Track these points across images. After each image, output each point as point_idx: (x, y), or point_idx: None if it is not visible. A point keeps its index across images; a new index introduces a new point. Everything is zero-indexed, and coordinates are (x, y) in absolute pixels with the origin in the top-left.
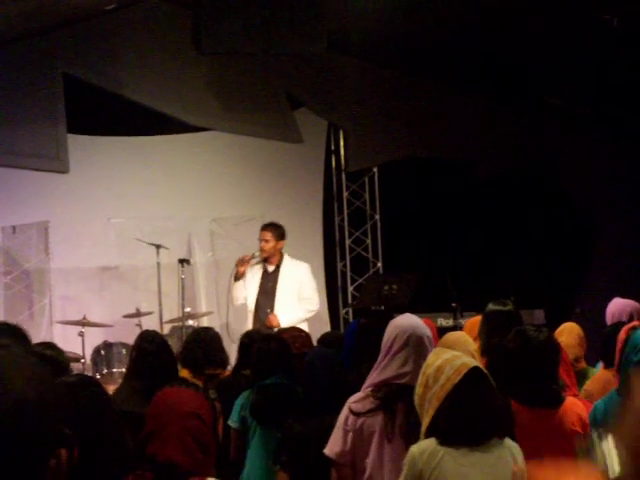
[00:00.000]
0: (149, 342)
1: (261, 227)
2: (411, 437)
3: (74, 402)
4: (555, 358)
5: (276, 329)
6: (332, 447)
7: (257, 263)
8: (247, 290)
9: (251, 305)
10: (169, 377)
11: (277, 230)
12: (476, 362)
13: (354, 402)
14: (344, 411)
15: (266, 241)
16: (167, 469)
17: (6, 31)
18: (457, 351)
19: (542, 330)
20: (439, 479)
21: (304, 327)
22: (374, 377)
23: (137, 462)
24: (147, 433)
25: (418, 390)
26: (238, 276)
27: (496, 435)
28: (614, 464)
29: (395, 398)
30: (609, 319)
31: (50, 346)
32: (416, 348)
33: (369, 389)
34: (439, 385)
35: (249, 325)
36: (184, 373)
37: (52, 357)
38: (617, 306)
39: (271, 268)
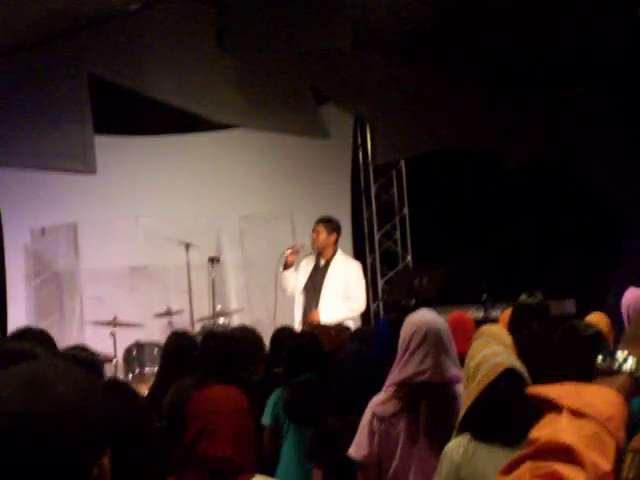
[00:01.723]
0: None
1: (315, 221)
2: (436, 436)
3: (107, 405)
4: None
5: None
6: (357, 449)
7: (311, 255)
8: (298, 281)
9: (299, 298)
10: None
11: (329, 223)
12: (515, 361)
13: (377, 405)
14: (368, 413)
15: (317, 233)
16: (224, 466)
17: (31, 33)
18: (494, 343)
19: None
20: (473, 474)
21: (350, 325)
22: (394, 376)
23: (188, 462)
24: (196, 432)
25: (464, 382)
26: (287, 265)
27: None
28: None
29: (417, 398)
30: (624, 309)
31: (83, 348)
32: (434, 344)
33: (391, 389)
34: (476, 381)
35: (296, 318)
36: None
37: (86, 359)
38: (633, 296)
39: (322, 262)
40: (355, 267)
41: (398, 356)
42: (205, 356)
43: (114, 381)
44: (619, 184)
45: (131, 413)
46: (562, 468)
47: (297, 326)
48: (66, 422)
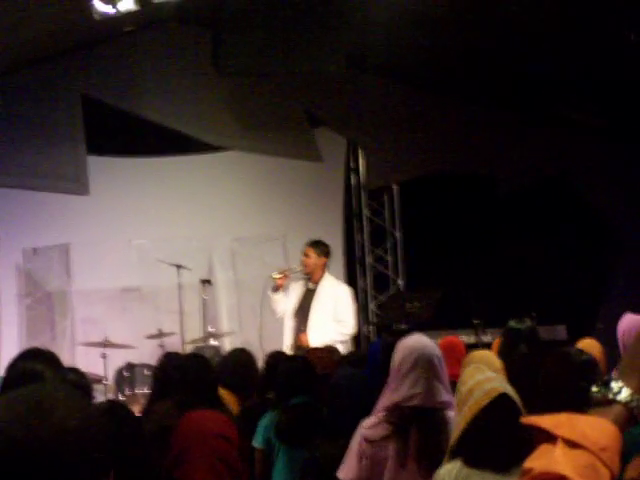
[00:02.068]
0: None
1: (305, 244)
2: (425, 461)
3: (107, 427)
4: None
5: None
6: (346, 472)
7: (302, 279)
8: (287, 307)
9: (288, 322)
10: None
11: (319, 247)
12: (507, 387)
13: (367, 428)
14: (357, 436)
15: (307, 256)
16: None
17: (26, 54)
18: (486, 369)
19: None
20: None
21: (340, 349)
22: (385, 399)
23: None
24: (174, 456)
25: (456, 408)
26: (276, 288)
27: (521, 463)
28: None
29: (408, 422)
30: (620, 335)
31: (72, 370)
32: (426, 368)
33: (381, 413)
34: (468, 406)
35: (285, 342)
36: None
37: (75, 381)
38: (629, 322)
39: (312, 286)
40: (345, 291)
41: (390, 380)
42: (186, 378)
43: (114, 403)
44: (612, 208)
45: (131, 435)
46: None
47: (286, 349)
48: (67, 447)
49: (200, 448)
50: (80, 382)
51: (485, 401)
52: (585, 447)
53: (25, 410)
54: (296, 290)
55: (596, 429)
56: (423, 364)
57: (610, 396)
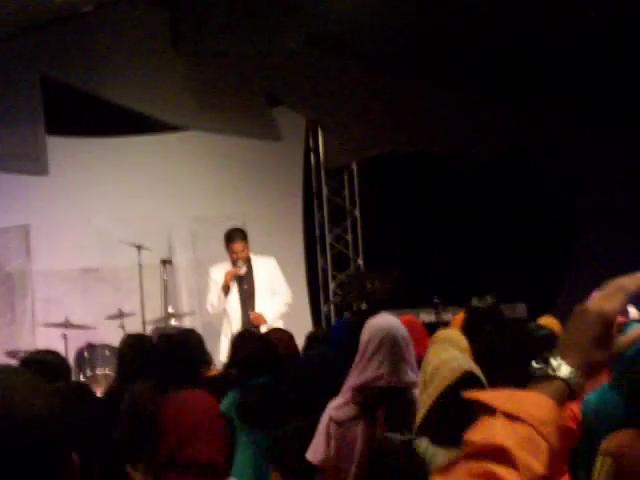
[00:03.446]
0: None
1: (229, 237)
2: None
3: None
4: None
5: (263, 327)
6: (315, 453)
7: (222, 267)
8: (228, 300)
9: (236, 310)
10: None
11: (245, 235)
12: (472, 365)
13: (335, 409)
14: (325, 417)
15: (242, 251)
16: (209, 471)
17: None
18: (451, 348)
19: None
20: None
21: (281, 324)
22: (352, 380)
23: (171, 467)
24: (177, 438)
25: (420, 386)
26: (227, 289)
27: None
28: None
29: (375, 403)
30: None
31: (51, 352)
32: (391, 349)
33: (348, 394)
34: (433, 386)
35: (233, 329)
36: None
37: (53, 362)
38: None
39: (242, 271)
40: (274, 262)
41: (356, 360)
42: (162, 359)
43: (77, 384)
44: (570, 186)
45: (93, 416)
46: (496, 468)
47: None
48: (30, 436)
49: (205, 429)
50: (59, 363)
51: (450, 380)
52: (525, 420)
53: None
54: (221, 278)
55: (535, 404)
56: (389, 344)
57: (550, 372)
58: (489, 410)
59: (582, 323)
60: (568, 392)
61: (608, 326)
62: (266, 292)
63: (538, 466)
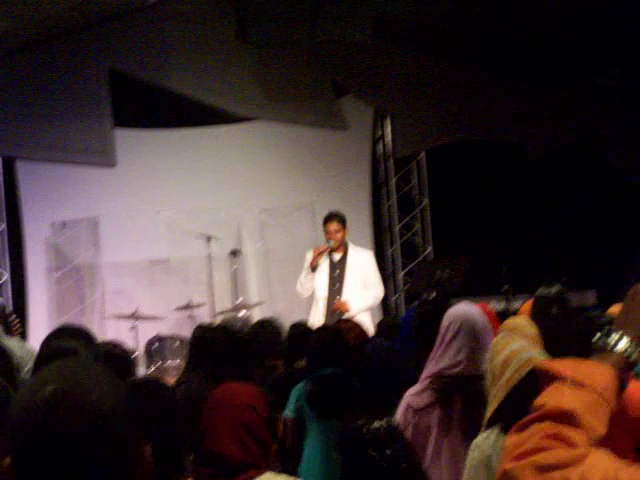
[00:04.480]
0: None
1: (326, 219)
2: (468, 429)
3: (142, 404)
4: None
5: (346, 315)
6: None
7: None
8: (316, 281)
9: (323, 294)
10: (239, 368)
11: (342, 218)
12: (543, 356)
13: (412, 395)
14: (403, 404)
15: (337, 232)
16: (223, 463)
17: (51, 27)
18: (519, 337)
19: (605, 313)
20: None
21: (368, 316)
22: (431, 367)
23: (196, 456)
24: (203, 428)
25: (488, 377)
26: (314, 267)
27: None
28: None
29: (451, 390)
30: None
31: (115, 345)
32: (468, 337)
33: (426, 381)
34: (505, 377)
35: (318, 314)
36: None
37: (120, 356)
38: None
39: (337, 257)
40: (370, 256)
41: (435, 348)
42: (217, 351)
43: (148, 378)
44: (637, 172)
45: (165, 411)
46: (565, 429)
47: (318, 323)
48: (101, 430)
49: (227, 419)
50: (125, 357)
51: (524, 371)
52: (589, 386)
53: (58, 390)
54: (320, 265)
55: (598, 372)
56: (467, 332)
57: (610, 345)
58: (558, 378)
59: (636, 301)
60: (625, 362)
61: None
62: (357, 282)
63: (601, 428)
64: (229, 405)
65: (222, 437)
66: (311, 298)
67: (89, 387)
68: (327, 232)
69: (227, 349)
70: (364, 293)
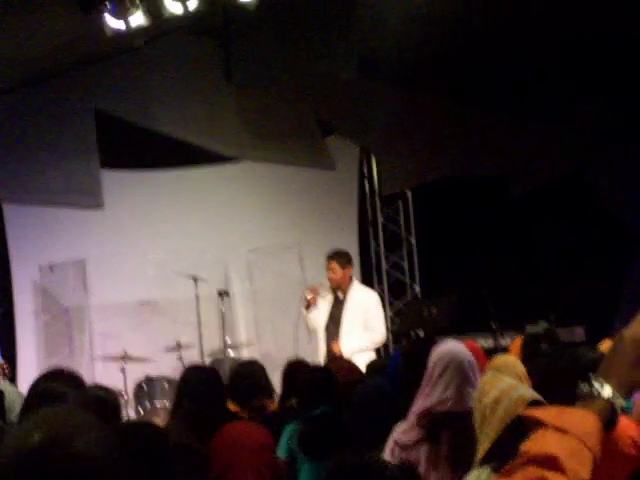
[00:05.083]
0: (198, 374)
1: (326, 257)
2: (456, 465)
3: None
4: None
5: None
6: None
7: (329, 291)
8: (318, 319)
9: (321, 333)
10: (218, 410)
11: (342, 258)
12: (534, 394)
13: (399, 433)
14: (390, 442)
15: (332, 271)
16: None
17: (37, 68)
18: (506, 375)
19: (594, 348)
20: None
21: (367, 356)
22: (419, 405)
23: None
24: (221, 469)
25: (476, 416)
26: (308, 306)
27: None
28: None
29: (439, 427)
30: None
31: (101, 388)
32: (457, 373)
33: (413, 418)
34: (497, 417)
35: (321, 353)
36: (230, 406)
37: (105, 399)
38: None
39: (341, 296)
40: (374, 298)
41: (422, 385)
42: (193, 392)
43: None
44: (626, 207)
45: (157, 454)
46: (548, 474)
47: (322, 361)
48: (90, 476)
49: (249, 458)
50: (110, 400)
51: (516, 410)
52: (572, 433)
53: (46, 439)
54: (325, 303)
55: (582, 419)
56: (454, 369)
57: (595, 392)
58: (541, 425)
59: (620, 348)
60: (610, 410)
61: None
62: (356, 324)
63: (584, 473)
64: (249, 445)
65: (246, 476)
66: (306, 335)
67: (75, 434)
68: (327, 271)
69: (201, 389)
70: (363, 336)
